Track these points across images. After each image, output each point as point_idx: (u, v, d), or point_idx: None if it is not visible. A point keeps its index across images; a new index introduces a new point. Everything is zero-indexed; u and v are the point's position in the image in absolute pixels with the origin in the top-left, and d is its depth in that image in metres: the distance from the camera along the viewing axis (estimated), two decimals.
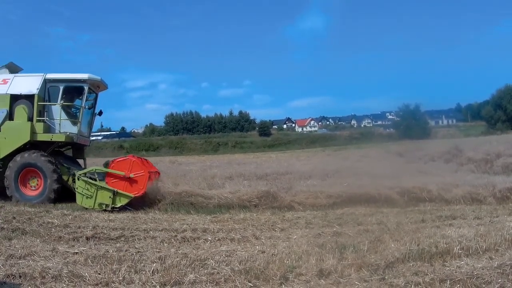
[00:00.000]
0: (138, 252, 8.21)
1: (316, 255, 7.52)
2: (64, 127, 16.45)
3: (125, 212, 13.37)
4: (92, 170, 14.83)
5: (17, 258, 7.52)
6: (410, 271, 6.56)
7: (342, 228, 10.65)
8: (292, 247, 8.44)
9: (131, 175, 14.21)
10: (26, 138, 15.82)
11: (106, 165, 16.38)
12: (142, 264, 7.21)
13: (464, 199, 14.86)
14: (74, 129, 16.68)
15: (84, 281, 6.34)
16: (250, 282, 6.34)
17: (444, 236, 8.71)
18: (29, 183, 15.86)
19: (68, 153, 18.69)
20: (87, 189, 14.18)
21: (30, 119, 16.07)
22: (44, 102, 16.41)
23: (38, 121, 16.13)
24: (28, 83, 16.33)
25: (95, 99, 18.11)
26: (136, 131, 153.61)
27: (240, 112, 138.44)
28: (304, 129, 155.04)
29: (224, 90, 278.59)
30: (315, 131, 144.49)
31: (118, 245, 8.94)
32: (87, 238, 9.54)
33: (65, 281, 6.33)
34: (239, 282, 6.31)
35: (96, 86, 17.51)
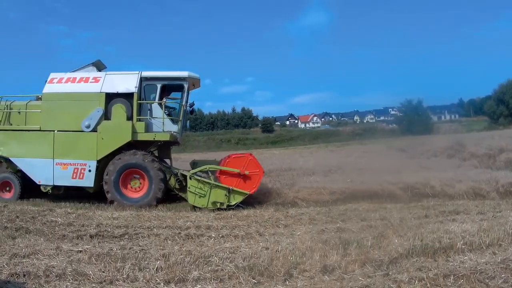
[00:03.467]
0: (142, 249, 8.22)
1: (320, 251, 7.53)
2: (165, 126, 15.88)
3: (128, 210, 13.35)
4: (205, 168, 14.70)
5: (21, 257, 7.53)
6: (414, 267, 6.56)
7: (346, 224, 10.67)
8: (296, 243, 8.45)
9: (246, 172, 14.15)
10: (127, 138, 15.20)
11: (194, 164, 16.66)
12: (146, 262, 7.21)
13: (467, 194, 14.89)
14: (174, 128, 16.16)
15: (88, 279, 6.35)
16: (254, 278, 6.35)
17: (447, 232, 8.71)
18: (130, 185, 15.38)
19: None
20: (200, 188, 14.07)
21: (129, 118, 15.50)
22: (141, 100, 15.84)
23: (138, 120, 15.60)
24: (124, 81, 15.78)
25: (187, 97, 17.10)
26: None
27: (243, 109, 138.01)
28: (307, 125, 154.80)
29: (226, 87, 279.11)
30: (318, 127, 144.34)
31: (122, 243, 8.94)
32: (91, 236, 9.54)
33: (69, 280, 6.33)
34: (243, 279, 6.32)
35: (192, 84, 16.79)
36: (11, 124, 15.99)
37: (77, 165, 15.18)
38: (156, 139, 15.65)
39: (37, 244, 8.50)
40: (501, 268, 6.28)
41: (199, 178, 14.11)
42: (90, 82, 15.74)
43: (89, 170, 15.15)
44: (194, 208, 13.83)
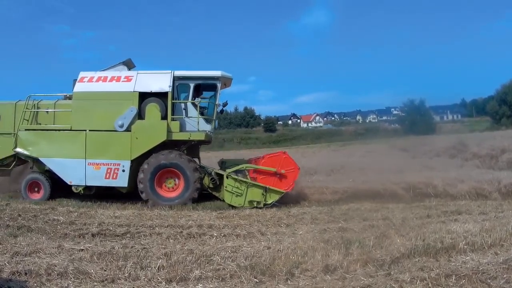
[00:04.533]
0: (144, 248, 8.23)
1: (322, 250, 7.53)
2: (199, 125, 15.63)
3: (130, 208, 13.38)
4: (242, 167, 14.80)
5: (23, 255, 7.53)
6: (416, 267, 6.56)
7: (348, 223, 10.68)
8: (298, 242, 8.45)
9: (283, 171, 14.26)
10: (162, 137, 15.04)
11: (222, 163, 16.71)
12: (147, 261, 7.22)
13: (469, 194, 14.90)
14: (208, 127, 16.06)
15: (90, 277, 6.35)
16: (256, 278, 6.35)
17: (449, 232, 8.73)
18: (165, 184, 15.28)
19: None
20: (237, 187, 14.23)
21: (163, 117, 15.32)
22: (174, 99, 15.68)
23: (173, 119, 15.41)
24: (157, 81, 15.59)
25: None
26: None
27: (245, 108, 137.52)
28: (309, 124, 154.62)
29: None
30: (320, 126, 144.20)
31: (123, 241, 8.95)
32: (93, 235, 9.55)
33: (71, 278, 6.34)
34: (245, 278, 6.32)
35: (224, 83, 16.64)
36: (39, 124, 15.83)
37: (111, 165, 15.07)
38: (191, 138, 15.54)
39: (39, 242, 8.52)
40: (503, 269, 6.28)
41: (236, 177, 14.25)
42: (122, 81, 15.60)
43: (123, 170, 15.04)
44: (195, 206, 13.87)
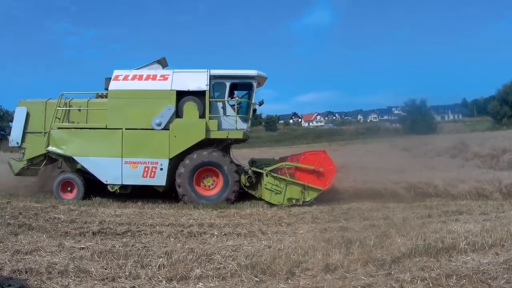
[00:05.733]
0: (145, 247, 8.23)
1: (323, 250, 7.54)
2: (237, 123, 15.81)
3: (131, 207, 13.38)
4: (282, 165, 14.83)
5: (24, 253, 7.53)
6: (417, 266, 6.56)
7: (349, 223, 10.69)
8: (299, 242, 8.46)
9: (321, 169, 14.33)
10: (201, 136, 15.09)
11: (252, 162, 16.88)
12: (148, 259, 7.22)
13: (470, 194, 14.92)
14: (245, 126, 16.04)
15: (90, 276, 6.34)
16: (256, 277, 6.35)
17: (450, 231, 8.73)
18: (203, 183, 15.33)
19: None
20: (276, 185, 14.37)
21: (201, 116, 15.39)
22: (210, 98, 15.67)
23: (211, 118, 15.47)
24: (194, 80, 15.60)
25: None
26: None
27: None
28: (311, 124, 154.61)
29: None
30: (322, 126, 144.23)
31: (124, 240, 8.96)
32: (94, 233, 9.55)
33: (72, 277, 6.33)
34: (245, 277, 6.32)
35: (258, 83, 16.53)
36: (72, 122, 15.82)
37: (148, 164, 15.06)
38: (229, 137, 15.61)
39: (40, 240, 8.52)
40: (503, 269, 6.28)
41: (276, 175, 14.40)
42: (158, 79, 15.62)
43: (161, 169, 15.04)
44: (195, 205, 13.87)
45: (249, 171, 15.75)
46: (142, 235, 9.53)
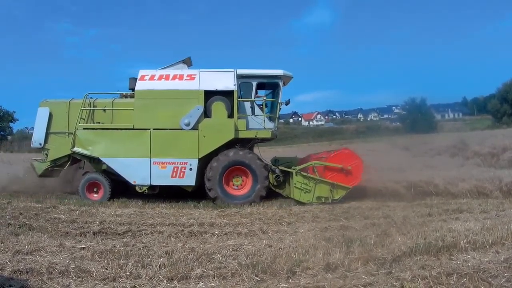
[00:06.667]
0: (145, 247, 8.23)
1: (323, 249, 7.54)
2: (263, 123, 15.74)
3: (132, 207, 13.39)
4: (311, 164, 14.81)
5: (24, 253, 7.54)
6: (417, 265, 6.57)
7: (349, 222, 10.69)
8: (299, 241, 8.47)
9: (349, 167, 14.41)
10: (230, 135, 15.06)
11: (275, 161, 17.09)
12: (149, 259, 7.22)
13: (471, 193, 14.91)
14: (272, 125, 16.00)
15: (91, 276, 6.35)
16: (257, 276, 6.35)
17: (450, 230, 8.73)
18: (232, 182, 15.35)
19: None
20: (306, 184, 14.39)
21: (229, 116, 15.31)
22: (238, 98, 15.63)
23: (239, 117, 15.41)
24: (221, 79, 15.54)
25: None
26: None
27: None
28: (311, 123, 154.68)
29: None
30: (322, 125, 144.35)
31: (125, 240, 8.96)
32: (94, 233, 9.56)
33: (72, 277, 6.33)
34: (246, 276, 6.32)
35: (283, 82, 16.48)
36: (98, 122, 15.76)
37: (177, 164, 14.97)
38: (258, 136, 15.59)
39: (40, 241, 8.53)
40: (504, 267, 6.28)
41: (306, 174, 14.42)
42: (185, 79, 15.53)
43: (190, 169, 14.97)
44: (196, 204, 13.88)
45: (277, 170, 15.89)
46: (142, 234, 9.53)
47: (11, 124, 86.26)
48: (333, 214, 11.90)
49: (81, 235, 9.45)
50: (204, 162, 15.18)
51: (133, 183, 15.10)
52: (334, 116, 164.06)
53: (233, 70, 15.57)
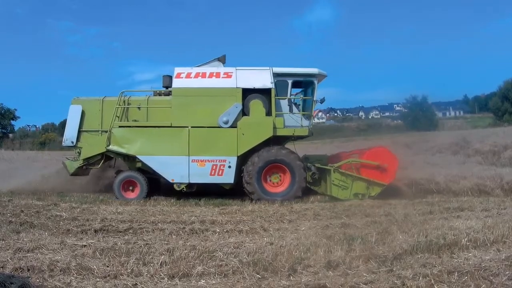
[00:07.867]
0: (147, 244, 8.24)
1: (324, 246, 7.54)
2: (300, 121, 15.93)
3: (133, 204, 13.39)
4: (349, 161, 14.91)
5: (25, 251, 7.55)
6: (418, 263, 6.57)
7: (350, 219, 10.70)
8: (300, 238, 8.47)
9: (385, 165, 14.54)
10: (268, 133, 15.13)
11: (305, 159, 16.91)
12: (150, 256, 7.23)
13: (472, 191, 14.93)
14: (307, 123, 16.12)
15: (92, 273, 6.35)
16: (258, 273, 6.34)
17: (452, 228, 8.72)
18: (270, 179, 15.37)
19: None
20: (343, 181, 14.58)
21: (267, 114, 15.37)
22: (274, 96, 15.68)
23: (277, 115, 15.47)
24: (258, 77, 15.59)
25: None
26: None
27: None
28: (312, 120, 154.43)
29: None
30: (323, 122, 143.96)
31: (126, 237, 8.97)
32: (96, 231, 9.56)
33: (74, 274, 6.34)
34: (247, 274, 6.32)
35: (318, 80, 16.52)
36: (133, 120, 15.68)
37: (216, 162, 15.04)
38: (295, 134, 15.69)
39: (42, 238, 8.54)
40: (505, 265, 6.28)
41: (344, 171, 14.56)
42: (222, 77, 15.55)
43: (229, 166, 15.04)
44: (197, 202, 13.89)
45: (313, 168, 15.92)
46: (144, 232, 9.54)
47: (12, 122, 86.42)
48: (334, 212, 11.90)
49: (82, 232, 9.45)
50: (241, 160, 15.24)
51: (171, 181, 15.14)
52: (335, 114, 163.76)
53: (269, 68, 15.64)
